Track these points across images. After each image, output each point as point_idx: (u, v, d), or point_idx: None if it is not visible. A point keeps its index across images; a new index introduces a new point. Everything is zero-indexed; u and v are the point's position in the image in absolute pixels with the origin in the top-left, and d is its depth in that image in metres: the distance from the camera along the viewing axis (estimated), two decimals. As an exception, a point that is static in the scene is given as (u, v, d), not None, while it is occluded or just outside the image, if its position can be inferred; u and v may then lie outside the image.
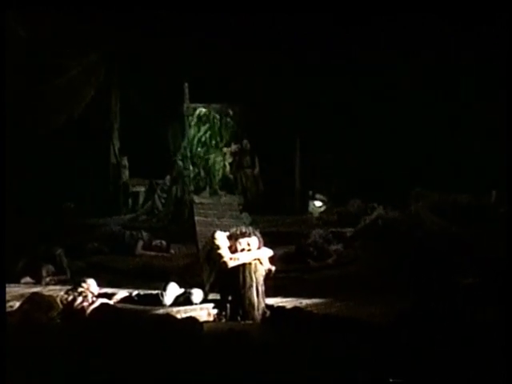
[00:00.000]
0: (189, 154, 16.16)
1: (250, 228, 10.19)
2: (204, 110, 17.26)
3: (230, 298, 9.47)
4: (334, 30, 16.77)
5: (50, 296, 9.58)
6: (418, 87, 17.16)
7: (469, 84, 16.64)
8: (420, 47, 16.53)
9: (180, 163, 16.97)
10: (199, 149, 16.58)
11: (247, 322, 9.27)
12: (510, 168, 12.20)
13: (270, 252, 9.81)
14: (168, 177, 17.31)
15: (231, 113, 17.27)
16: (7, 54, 12.57)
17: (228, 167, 17.30)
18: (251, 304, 9.34)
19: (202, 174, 16.42)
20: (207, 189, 17.09)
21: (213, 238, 9.85)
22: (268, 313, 9.43)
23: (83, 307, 9.19)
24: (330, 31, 16.79)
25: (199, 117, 16.49)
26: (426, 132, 17.09)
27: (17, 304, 9.47)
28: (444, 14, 15.79)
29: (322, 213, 17.12)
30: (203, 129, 16.70)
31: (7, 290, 9.96)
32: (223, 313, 9.44)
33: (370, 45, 16.73)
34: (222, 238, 9.79)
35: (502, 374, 6.88)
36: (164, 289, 9.77)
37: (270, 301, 9.66)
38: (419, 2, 15.68)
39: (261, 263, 9.57)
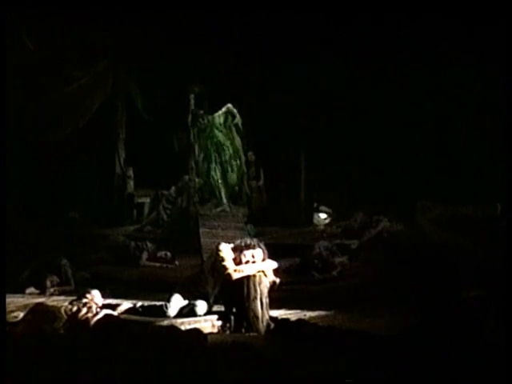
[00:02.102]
0: (194, 166, 16.14)
1: (255, 240, 10.19)
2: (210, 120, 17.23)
3: (234, 309, 9.47)
4: (336, 34, 16.77)
5: (54, 307, 9.56)
6: (422, 97, 17.16)
7: (474, 93, 16.62)
8: (424, 52, 16.52)
9: (186, 174, 16.97)
10: (205, 160, 16.54)
11: (251, 334, 9.27)
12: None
13: (274, 264, 9.81)
14: (173, 188, 17.32)
15: (237, 124, 17.24)
16: (14, 64, 12.60)
17: (234, 179, 17.24)
18: (255, 316, 9.34)
19: (208, 185, 16.37)
20: (213, 200, 17.06)
21: (217, 249, 9.85)
22: (272, 325, 9.42)
23: (87, 318, 9.18)
24: (332, 36, 16.80)
25: (204, 127, 16.43)
26: (431, 144, 17.09)
27: (21, 314, 9.47)
28: (444, 13, 15.76)
29: (326, 225, 17.11)
30: (209, 140, 16.66)
31: (11, 300, 9.99)
32: (227, 325, 9.43)
33: (373, 50, 16.73)
34: (226, 250, 9.79)
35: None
36: (168, 300, 9.75)
37: (275, 313, 9.65)
38: (419, 2, 15.65)
39: (265, 275, 9.56)
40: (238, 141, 15.73)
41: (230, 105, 15.67)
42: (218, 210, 15.60)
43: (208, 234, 13.97)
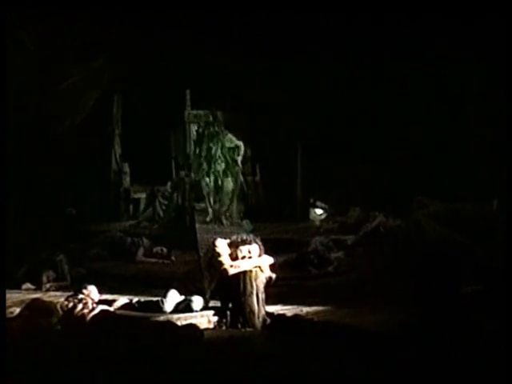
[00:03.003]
0: (190, 161, 16.13)
1: (251, 235, 10.21)
2: (205, 117, 17.19)
3: (230, 305, 9.47)
4: (334, 34, 16.75)
5: (50, 302, 9.57)
6: (419, 95, 17.15)
7: (471, 91, 16.61)
8: (422, 51, 16.50)
9: (181, 170, 16.97)
10: (200, 156, 16.54)
11: (247, 329, 9.27)
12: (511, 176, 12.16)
13: (270, 259, 9.82)
14: (169, 183, 17.31)
15: (232, 120, 17.22)
16: (12, 61, 12.58)
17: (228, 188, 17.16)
18: (252, 311, 9.34)
19: (203, 180, 16.38)
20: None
21: (214, 245, 9.86)
22: (268, 320, 9.43)
23: (83, 314, 9.17)
24: (330, 36, 16.78)
25: (213, 135, 16.35)
26: (428, 140, 17.08)
27: (17, 310, 9.46)
28: (444, 13, 15.73)
29: (323, 220, 17.09)
30: (204, 136, 16.65)
31: (8, 296, 9.97)
32: (224, 320, 9.43)
33: (371, 49, 16.70)
34: (222, 246, 9.80)
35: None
36: (164, 296, 9.76)
37: (271, 308, 9.65)
38: (419, 2, 15.62)
39: (261, 271, 9.57)
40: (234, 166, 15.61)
41: (242, 144, 15.63)
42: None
43: (204, 230, 13.98)
